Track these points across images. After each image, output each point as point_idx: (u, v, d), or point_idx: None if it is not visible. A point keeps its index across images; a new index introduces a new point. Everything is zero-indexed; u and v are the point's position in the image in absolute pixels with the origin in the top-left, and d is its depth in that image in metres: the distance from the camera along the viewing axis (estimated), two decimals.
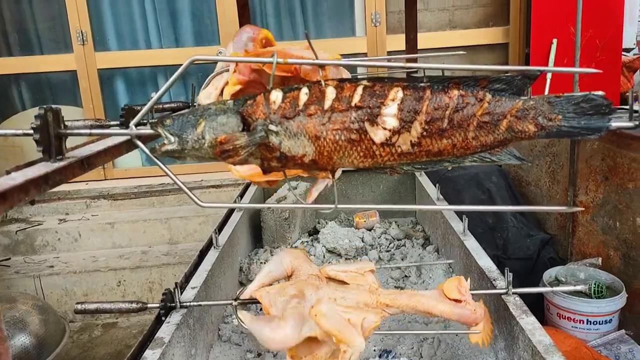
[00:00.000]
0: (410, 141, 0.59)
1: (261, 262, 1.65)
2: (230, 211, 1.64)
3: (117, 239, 3.30)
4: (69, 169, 0.58)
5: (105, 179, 3.79)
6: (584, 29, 3.18)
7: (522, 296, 1.02)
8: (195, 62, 0.58)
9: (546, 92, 2.81)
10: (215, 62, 0.92)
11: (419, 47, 2.64)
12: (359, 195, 2.09)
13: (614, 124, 0.57)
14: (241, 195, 1.81)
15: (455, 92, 0.58)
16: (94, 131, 0.62)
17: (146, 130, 0.61)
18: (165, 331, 0.94)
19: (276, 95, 0.59)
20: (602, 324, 2.21)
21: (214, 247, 1.36)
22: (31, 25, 3.67)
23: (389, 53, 3.61)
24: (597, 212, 2.47)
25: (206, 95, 0.77)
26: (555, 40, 3.37)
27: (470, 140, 0.59)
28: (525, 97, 0.57)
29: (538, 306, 2.27)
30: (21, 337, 2.05)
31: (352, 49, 3.66)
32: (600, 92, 0.56)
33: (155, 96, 0.60)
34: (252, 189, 1.92)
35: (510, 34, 3.64)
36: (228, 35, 3.60)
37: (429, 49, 3.51)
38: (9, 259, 3.20)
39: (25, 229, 3.29)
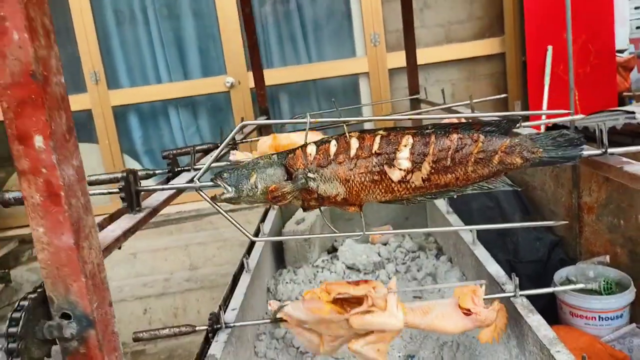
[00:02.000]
0: (422, 178, 0.71)
1: (286, 282, 1.77)
2: (256, 235, 1.77)
3: (139, 269, 3.42)
4: (146, 218, 0.71)
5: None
6: (577, 34, 3.31)
7: (533, 298, 1.13)
8: (245, 125, 0.71)
9: (544, 102, 2.92)
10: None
11: (418, 63, 2.79)
12: (374, 211, 2.21)
13: (586, 152, 0.70)
14: (262, 220, 1.94)
15: (455, 136, 0.71)
16: (166, 186, 0.75)
17: (207, 183, 0.74)
18: (215, 349, 1.06)
19: (311, 149, 0.72)
20: (613, 319, 2.29)
21: (246, 270, 1.48)
22: None
23: (390, 71, 3.75)
24: (601, 211, 2.56)
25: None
26: (550, 47, 3.48)
27: (470, 174, 0.72)
28: (513, 136, 0.70)
29: (552, 307, 2.36)
30: None
31: (354, 69, 3.80)
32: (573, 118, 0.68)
33: (212, 157, 0.73)
34: (271, 214, 2.04)
35: (506, 43, 3.77)
36: (234, 66, 3.75)
37: (428, 64, 3.65)
38: None
39: None
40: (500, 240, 2.97)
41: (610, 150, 0.73)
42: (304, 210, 0.76)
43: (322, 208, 0.75)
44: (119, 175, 0.71)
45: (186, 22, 3.84)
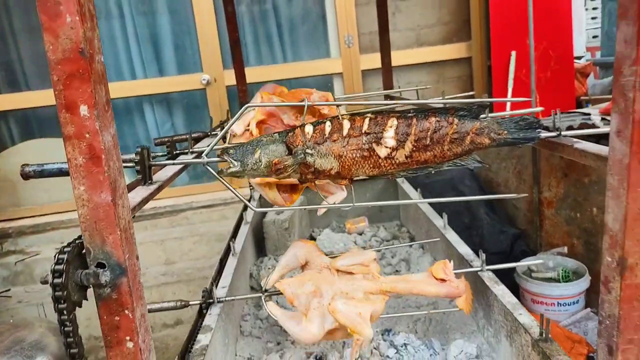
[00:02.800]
0: (405, 155, 0.82)
1: (268, 268, 1.85)
2: (239, 225, 1.85)
3: None
4: (157, 190, 0.79)
5: None
6: (538, 41, 3.52)
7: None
8: (249, 107, 0.80)
9: (508, 103, 3.09)
10: None
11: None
12: (350, 202, 2.32)
13: (543, 134, 0.82)
14: (244, 209, 2.02)
15: (433, 119, 0.82)
16: (176, 161, 0.83)
17: (213, 159, 0.82)
18: (209, 320, 1.14)
19: (309, 128, 0.82)
20: (570, 305, 2.48)
21: (232, 254, 1.56)
22: (17, 62, 3.81)
23: (363, 72, 3.88)
24: (560, 205, 2.75)
25: (238, 127, 0.99)
26: (514, 53, 3.67)
27: (446, 152, 0.83)
28: (481, 119, 0.81)
29: (515, 295, 2.53)
30: (42, 358, 2.19)
31: (328, 69, 3.91)
32: (534, 110, 0.81)
33: (220, 134, 0.81)
34: (252, 205, 2.12)
35: (472, 48, 3.96)
36: (211, 64, 3.80)
37: (399, 66, 3.80)
38: (9, 290, 3.29)
39: (24, 259, 3.39)
40: (466, 233, 3.13)
41: (563, 133, 0.86)
42: (301, 183, 0.86)
43: (315, 183, 0.85)
44: (136, 151, 0.78)
45: (162, 18, 3.87)
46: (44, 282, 0.63)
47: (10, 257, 3.47)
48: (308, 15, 3.93)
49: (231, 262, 1.52)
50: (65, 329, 0.64)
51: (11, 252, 3.55)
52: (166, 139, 1.18)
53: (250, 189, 2.29)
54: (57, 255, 0.63)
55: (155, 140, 1.29)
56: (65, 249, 0.63)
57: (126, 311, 0.64)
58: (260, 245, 2.05)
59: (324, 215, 2.31)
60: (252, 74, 3.62)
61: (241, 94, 2.27)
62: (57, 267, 0.61)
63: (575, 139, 0.83)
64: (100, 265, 0.62)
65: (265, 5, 3.88)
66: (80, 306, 0.67)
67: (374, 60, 3.72)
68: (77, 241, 0.64)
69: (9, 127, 3.90)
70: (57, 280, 0.61)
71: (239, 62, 2.20)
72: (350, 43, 3.83)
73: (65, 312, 0.63)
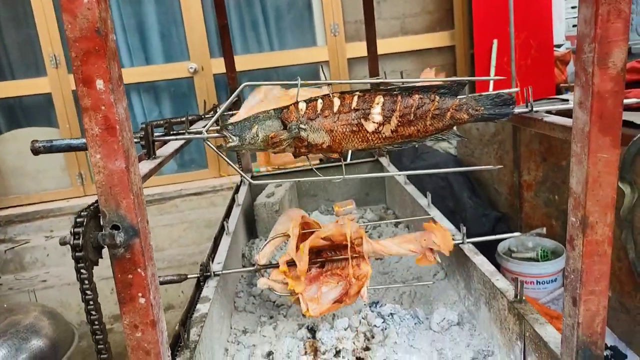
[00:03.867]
0: (391, 129, 0.89)
1: (260, 249, 1.92)
2: (231, 206, 1.91)
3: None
4: (161, 164, 0.85)
5: (85, 195, 3.92)
6: (519, 30, 3.61)
7: None
8: (247, 85, 0.86)
9: (490, 88, 3.17)
10: None
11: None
12: (336, 188, 2.39)
13: (516, 110, 0.90)
14: (236, 192, 2.08)
15: (417, 96, 0.89)
16: (178, 137, 0.89)
17: (213, 135, 0.88)
18: (207, 292, 1.21)
19: (302, 105, 0.88)
20: (548, 283, 2.59)
21: (226, 233, 1.62)
22: (2, 51, 3.79)
23: (349, 60, 3.94)
24: (539, 188, 2.86)
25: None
26: (495, 41, 3.76)
27: (428, 127, 0.90)
28: (460, 97, 0.89)
29: None
30: (37, 341, 2.23)
31: (315, 57, 3.96)
32: (511, 90, 0.88)
33: (220, 110, 0.87)
34: (243, 189, 2.18)
35: (455, 37, 4.04)
36: (197, 52, 3.83)
37: (384, 54, 3.86)
38: None
39: (13, 247, 3.41)
40: (450, 217, 3.23)
41: (535, 108, 0.93)
42: (295, 156, 0.92)
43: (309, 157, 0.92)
44: (140, 127, 0.84)
45: (148, 7, 3.87)
46: (63, 243, 0.69)
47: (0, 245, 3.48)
48: (294, 3, 3.97)
49: (225, 240, 1.58)
50: (84, 286, 0.70)
51: (0, 240, 3.56)
52: (162, 121, 1.23)
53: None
54: (75, 219, 0.68)
55: (152, 123, 1.34)
56: (82, 213, 0.69)
57: (139, 269, 0.70)
58: (251, 227, 2.11)
59: (312, 200, 2.39)
60: (240, 61, 3.64)
61: (230, 81, 2.32)
62: (76, 229, 0.67)
63: (545, 114, 0.91)
64: (115, 227, 0.68)
65: None
66: (97, 264, 0.73)
67: (359, 48, 3.79)
68: (92, 206, 0.70)
69: None
70: (76, 242, 0.67)
71: (228, 48, 2.25)
72: (336, 31, 3.88)
73: (83, 270, 0.68)
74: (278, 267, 1.22)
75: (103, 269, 0.80)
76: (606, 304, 0.77)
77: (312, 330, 1.35)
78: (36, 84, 3.75)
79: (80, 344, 3.04)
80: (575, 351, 0.79)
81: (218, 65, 3.80)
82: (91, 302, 0.71)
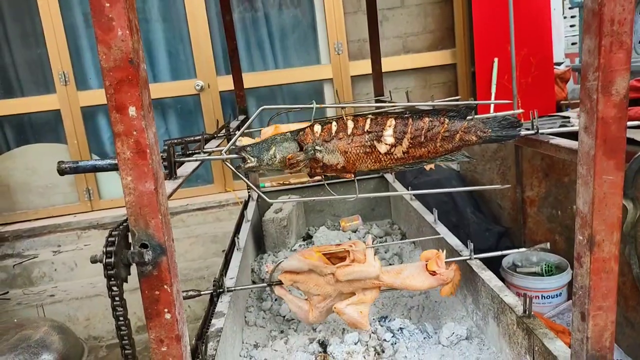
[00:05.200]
0: (402, 151, 0.93)
1: (269, 264, 1.95)
2: (240, 223, 1.94)
3: None
4: (181, 183, 0.89)
5: (92, 210, 3.96)
6: (519, 48, 3.67)
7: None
8: (265, 109, 0.90)
9: (491, 108, 3.21)
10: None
11: None
12: (343, 203, 2.42)
13: (523, 132, 0.94)
14: (245, 208, 2.12)
15: (427, 119, 0.93)
16: (199, 157, 0.93)
17: (233, 155, 0.92)
18: (222, 307, 1.24)
19: (317, 127, 0.92)
20: (553, 297, 2.61)
21: (237, 249, 1.65)
22: (12, 69, 3.86)
23: (352, 78, 4.00)
24: (542, 204, 2.89)
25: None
26: (496, 59, 3.82)
27: (438, 148, 0.94)
28: (469, 119, 0.93)
29: None
30: (47, 356, 2.24)
31: (319, 75, 4.03)
32: (515, 112, 0.92)
33: (240, 132, 0.91)
34: (251, 204, 2.22)
35: (457, 55, 4.11)
36: (204, 70, 3.90)
37: (387, 72, 3.92)
38: (7, 292, 3.33)
39: (22, 262, 3.43)
40: (454, 232, 3.25)
41: (541, 130, 0.97)
42: (310, 177, 0.96)
43: (316, 179, 0.95)
44: (163, 149, 0.88)
45: (156, 25, 3.95)
46: (94, 261, 0.72)
47: (8, 260, 3.51)
48: (299, 23, 4.05)
49: (236, 256, 1.61)
50: (114, 302, 0.74)
51: (8, 255, 3.59)
52: (177, 140, 1.27)
53: (248, 192, 2.39)
54: (107, 238, 0.72)
55: (167, 142, 1.38)
56: (114, 232, 0.73)
57: (165, 286, 0.74)
58: (260, 242, 2.14)
59: (318, 215, 2.42)
60: (245, 79, 3.71)
61: (239, 99, 2.37)
62: (109, 248, 0.70)
63: (550, 136, 0.95)
64: (144, 246, 0.72)
65: (257, 13, 3.99)
66: (126, 281, 0.76)
67: (362, 66, 3.86)
68: (121, 226, 0.73)
69: (4, 133, 3.94)
70: (108, 260, 0.70)
71: (237, 69, 2.31)
72: (339, 50, 3.95)
73: (115, 287, 0.72)
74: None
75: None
76: (614, 319, 0.80)
77: (323, 345, 1.37)
78: (45, 100, 3.81)
79: (88, 358, 3.06)
80: None
81: (224, 83, 3.86)
82: (121, 318, 0.75)
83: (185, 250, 3.52)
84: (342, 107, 0.98)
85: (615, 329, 0.81)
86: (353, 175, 0.97)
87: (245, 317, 1.59)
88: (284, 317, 1.60)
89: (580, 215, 0.79)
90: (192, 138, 1.39)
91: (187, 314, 3.37)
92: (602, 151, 0.72)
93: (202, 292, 1.29)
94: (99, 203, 3.96)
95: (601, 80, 0.68)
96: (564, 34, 4.52)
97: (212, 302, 1.29)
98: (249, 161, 0.91)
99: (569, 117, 3.09)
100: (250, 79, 3.87)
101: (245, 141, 1.26)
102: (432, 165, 0.98)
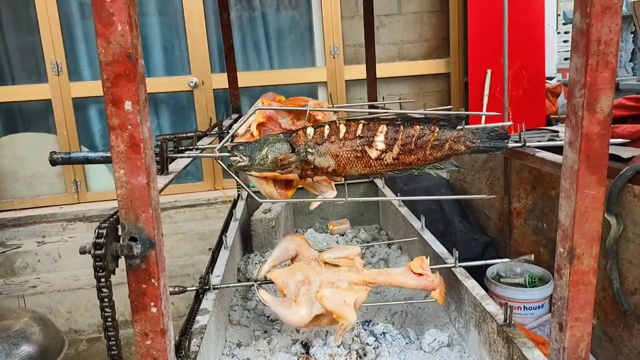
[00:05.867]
0: (392, 157, 0.94)
1: (255, 263, 1.95)
2: (228, 221, 1.95)
3: None
4: (173, 179, 0.90)
5: (79, 202, 3.93)
6: (512, 61, 3.72)
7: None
8: (259, 110, 0.91)
9: (482, 119, 3.25)
10: None
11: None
12: (331, 207, 2.44)
13: (510, 144, 0.96)
14: (234, 207, 2.12)
15: (418, 127, 0.95)
16: (191, 154, 0.93)
17: (225, 154, 0.93)
18: (206, 304, 1.24)
19: (310, 130, 0.94)
20: (536, 309, 2.64)
21: (224, 247, 1.66)
22: (4, 56, 3.82)
23: (347, 82, 4.02)
24: (528, 216, 2.92)
25: (242, 129, 1.10)
26: (489, 71, 3.87)
27: (428, 156, 0.96)
28: (459, 129, 0.95)
29: None
30: (27, 347, 2.23)
31: (314, 78, 4.05)
32: (504, 124, 0.94)
33: (234, 129, 0.92)
34: (240, 203, 2.23)
35: (451, 65, 4.15)
36: (199, 67, 3.89)
37: (381, 78, 3.95)
38: None
39: (4, 252, 3.40)
40: (441, 240, 3.28)
41: (528, 143, 1.00)
42: (301, 178, 0.97)
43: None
44: (156, 144, 0.89)
45: (152, 20, 3.94)
46: (83, 252, 0.73)
47: None
48: (296, 24, 4.06)
49: (223, 254, 1.62)
50: (102, 294, 0.74)
51: None
52: (170, 136, 1.28)
53: (238, 191, 2.39)
54: (97, 230, 0.72)
55: (159, 137, 1.39)
56: (103, 225, 0.73)
57: (152, 280, 0.74)
58: (247, 241, 2.14)
59: (307, 217, 2.43)
60: (240, 79, 3.72)
61: (233, 98, 2.37)
62: (98, 240, 0.71)
63: (537, 149, 0.97)
64: (133, 239, 0.72)
65: (255, 12, 4.00)
66: (114, 273, 0.77)
67: (357, 71, 3.88)
68: (111, 218, 0.74)
69: None
70: (98, 252, 0.71)
71: (232, 68, 2.31)
72: (335, 54, 3.97)
73: (102, 279, 0.72)
74: (272, 282, 1.26)
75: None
76: (590, 330, 0.82)
77: (306, 346, 1.38)
78: (37, 90, 3.78)
79: (68, 351, 3.03)
80: None
81: (218, 81, 3.86)
82: (108, 309, 0.75)
83: (171, 246, 3.51)
84: (335, 112, 1.00)
85: (593, 341, 0.83)
86: (343, 179, 0.99)
87: (230, 315, 1.60)
88: (268, 317, 1.60)
89: (562, 227, 0.81)
90: (185, 135, 1.40)
91: (171, 310, 3.36)
92: (585, 166, 0.74)
93: (187, 289, 1.29)
94: (86, 195, 3.93)
95: (587, 97, 0.70)
96: (556, 49, 4.59)
97: (198, 299, 1.29)
98: (240, 160, 0.92)
99: (558, 132, 3.14)
100: (245, 78, 3.87)
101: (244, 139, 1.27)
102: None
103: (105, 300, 0.74)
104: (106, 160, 0.89)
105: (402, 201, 2.20)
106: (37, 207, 3.81)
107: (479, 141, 0.95)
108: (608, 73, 0.69)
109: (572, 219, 0.78)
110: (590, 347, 0.82)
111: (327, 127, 0.94)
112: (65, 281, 3.24)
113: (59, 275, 3.35)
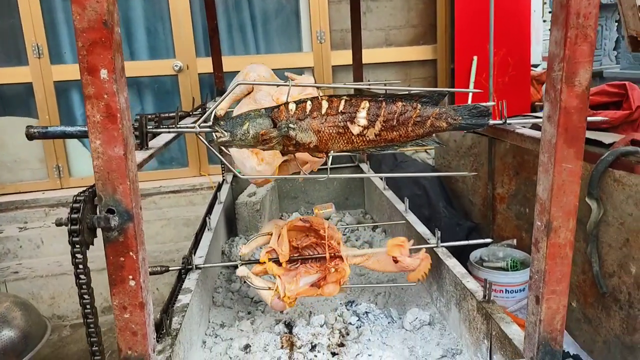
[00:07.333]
0: (374, 133, 0.94)
1: (239, 247, 1.95)
2: (213, 204, 1.94)
3: None
4: (153, 155, 0.89)
5: (62, 188, 3.88)
6: (498, 48, 3.74)
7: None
8: (240, 84, 0.90)
9: (469, 99, 3.26)
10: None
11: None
12: (317, 191, 2.44)
13: (491, 121, 0.96)
14: (219, 190, 2.11)
15: (400, 103, 0.94)
16: (171, 129, 0.92)
17: (206, 129, 0.92)
18: (189, 284, 1.23)
19: (292, 105, 0.93)
20: (517, 292, 2.68)
21: (208, 229, 1.65)
22: None
23: (334, 67, 4.00)
24: (511, 201, 2.96)
25: (220, 106, 1.08)
26: (475, 57, 3.88)
27: (410, 132, 0.96)
28: (440, 106, 0.95)
29: None
30: (8, 332, 2.20)
31: (300, 63, 4.02)
32: (486, 104, 0.95)
33: (215, 105, 0.91)
34: (225, 187, 2.21)
35: (437, 51, 4.15)
36: (183, 50, 3.84)
37: (368, 64, 3.94)
38: None
39: None
40: (426, 224, 3.31)
41: (508, 120, 1.00)
42: (283, 154, 0.97)
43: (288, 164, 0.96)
44: (135, 118, 0.87)
45: (136, 2, 3.87)
46: (59, 224, 0.72)
47: None
48: (282, 8, 4.02)
49: (207, 236, 1.61)
50: (78, 269, 0.73)
51: None
52: (152, 115, 1.26)
53: (223, 175, 2.37)
54: (72, 203, 0.71)
55: (146, 116, 1.37)
56: (79, 198, 0.72)
57: (131, 253, 0.74)
58: (232, 225, 2.14)
59: (292, 201, 2.43)
60: (226, 62, 3.68)
61: (217, 80, 2.35)
62: (74, 214, 0.70)
63: (517, 126, 0.98)
64: (110, 211, 0.71)
65: None
66: (92, 244, 0.76)
67: (344, 56, 3.86)
68: (88, 190, 0.73)
69: None
70: (74, 227, 0.70)
71: (217, 49, 2.28)
72: (322, 39, 3.95)
73: (78, 254, 0.71)
74: (259, 262, 1.25)
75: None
76: (566, 303, 0.83)
77: (289, 326, 1.38)
78: (17, 72, 3.70)
79: (51, 337, 3.01)
80: (537, 347, 0.85)
81: (203, 65, 3.82)
82: (84, 286, 0.74)
83: (156, 232, 3.48)
84: (318, 87, 0.99)
85: (573, 323, 0.84)
86: (325, 155, 0.99)
87: (213, 297, 1.60)
88: (252, 298, 1.61)
89: (540, 202, 0.82)
90: (167, 115, 1.38)
91: (155, 296, 3.34)
92: (563, 139, 0.75)
93: (170, 268, 1.28)
94: (68, 181, 3.87)
95: (565, 70, 0.70)
96: (542, 36, 4.61)
97: (180, 279, 1.29)
98: (222, 135, 0.91)
99: (540, 117, 3.17)
100: (231, 63, 3.81)
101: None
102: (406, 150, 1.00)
103: (82, 276, 0.73)
104: (84, 135, 0.87)
105: (387, 184, 2.20)
106: (19, 193, 3.75)
107: (460, 118, 0.95)
108: (587, 46, 0.69)
109: (549, 192, 0.78)
110: (565, 318, 0.83)
111: (309, 102, 0.93)
112: (48, 267, 3.20)
113: (41, 261, 3.31)
